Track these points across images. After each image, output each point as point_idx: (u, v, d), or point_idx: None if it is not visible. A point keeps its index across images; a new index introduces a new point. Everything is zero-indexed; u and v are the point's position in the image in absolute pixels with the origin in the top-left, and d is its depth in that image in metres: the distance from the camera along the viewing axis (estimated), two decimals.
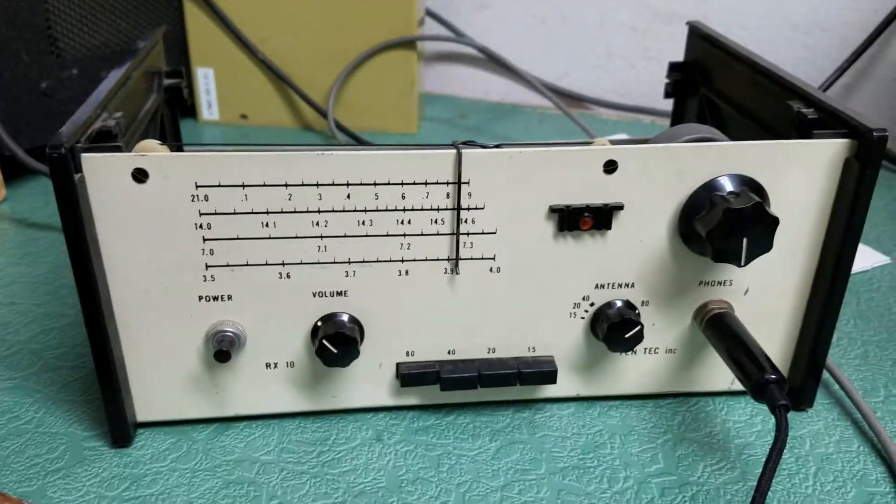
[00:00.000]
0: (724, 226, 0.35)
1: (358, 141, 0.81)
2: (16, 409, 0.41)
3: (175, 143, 0.52)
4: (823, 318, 0.39)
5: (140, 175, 0.34)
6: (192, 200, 0.35)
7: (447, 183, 0.36)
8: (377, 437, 0.39)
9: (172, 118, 0.52)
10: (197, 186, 0.35)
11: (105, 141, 0.35)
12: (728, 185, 0.36)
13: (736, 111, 0.48)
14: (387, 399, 0.41)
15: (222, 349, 0.37)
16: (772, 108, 0.43)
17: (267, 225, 0.36)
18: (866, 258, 0.58)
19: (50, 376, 0.44)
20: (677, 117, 0.56)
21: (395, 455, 0.38)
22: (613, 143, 0.38)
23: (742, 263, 0.36)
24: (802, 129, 0.38)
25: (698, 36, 0.53)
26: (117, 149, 0.34)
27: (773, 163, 0.36)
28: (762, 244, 0.36)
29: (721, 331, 0.38)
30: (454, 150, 0.35)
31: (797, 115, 0.39)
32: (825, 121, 0.38)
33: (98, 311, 0.35)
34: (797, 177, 0.37)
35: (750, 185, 0.36)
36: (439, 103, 0.93)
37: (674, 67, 0.55)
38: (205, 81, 0.85)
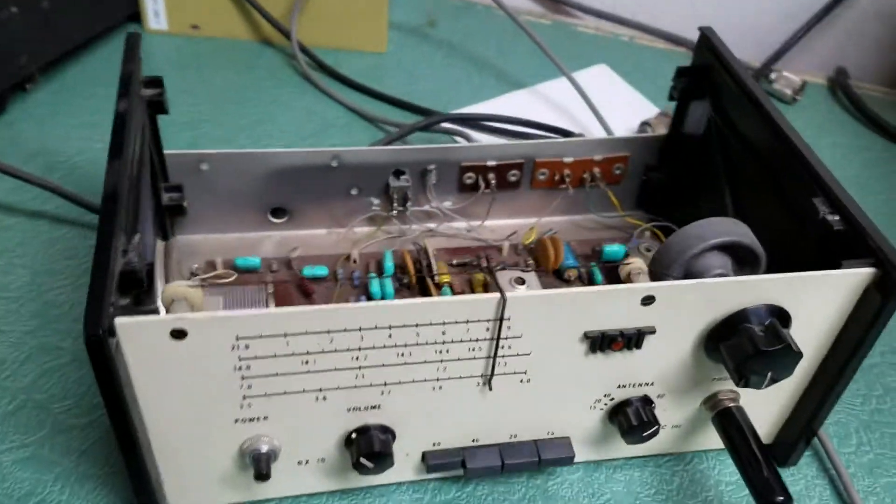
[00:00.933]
0: (752, 362, 0.37)
1: (322, 68, 0.76)
2: (39, 489, 0.41)
3: (199, 279, 0.46)
4: (824, 398, 0.42)
5: (178, 334, 0.33)
6: (233, 349, 0.34)
7: (488, 321, 0.36)
8: None
9: (153, 133, 0.48)
10: (237, 338, 0.34)
11: (131, 285, 0.34)
12: (757, 314, 0.37)
13: (746, 151, 0.47)
14: (411, 475, 0.43)
15: (261, 471, 0.37)
16: (789, 186, 0.43)
17: (307, 363, 0.35)
18: None
19: (64, 441, 0.43)
20: (678, 121, 0.55)
21: None
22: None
23: (762, 389, 0.38)
24: (827, 243, 0.39)
25: (708, 49, 0.51)
26: (152, 311, 0.33)
27: (799, 292, 0.38)
28: (784, 373, 0.38)
29: (731, 429, 0.41)
30: (499, 296, 0.35)
31: (822, 221, 0.39)
32: (850, 235, 0.39)
33: (134, 444, 0.35)
34: (819, 299, 0.38)
35: (777, 315, 0.38)
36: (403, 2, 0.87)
37: (681, 73, 0.53)
38: None
